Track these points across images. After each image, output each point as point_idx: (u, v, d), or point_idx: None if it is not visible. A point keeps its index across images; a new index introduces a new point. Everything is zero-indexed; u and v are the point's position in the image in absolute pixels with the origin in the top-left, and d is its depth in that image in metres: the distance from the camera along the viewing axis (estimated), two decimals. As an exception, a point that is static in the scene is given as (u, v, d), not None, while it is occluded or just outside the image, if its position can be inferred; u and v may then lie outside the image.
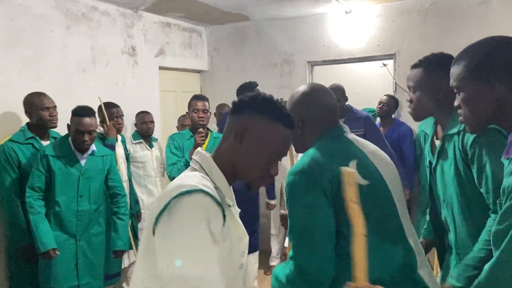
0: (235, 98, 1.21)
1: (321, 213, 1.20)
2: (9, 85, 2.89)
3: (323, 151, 1.28)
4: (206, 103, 2.95)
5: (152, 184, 3.59)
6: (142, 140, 3.59)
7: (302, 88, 1.44)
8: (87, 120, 2.57)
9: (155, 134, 3.79)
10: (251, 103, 1.13)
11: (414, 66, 1.67)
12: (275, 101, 1.14)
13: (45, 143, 2.76)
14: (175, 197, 0.98)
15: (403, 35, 4.03)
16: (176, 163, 2.78)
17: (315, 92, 1.42)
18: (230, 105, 1.20)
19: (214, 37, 4.93)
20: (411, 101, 1.65)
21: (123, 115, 3.38)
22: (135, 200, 3.41)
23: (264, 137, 1.10)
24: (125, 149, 3.41)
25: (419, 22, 3.95)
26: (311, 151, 1.30)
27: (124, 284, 3.41)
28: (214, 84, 4.93)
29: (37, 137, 2.74)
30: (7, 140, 2.68)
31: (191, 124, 2.96)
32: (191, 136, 2.91)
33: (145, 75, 4.08)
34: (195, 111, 2.89)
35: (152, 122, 3.65)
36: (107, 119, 3.20)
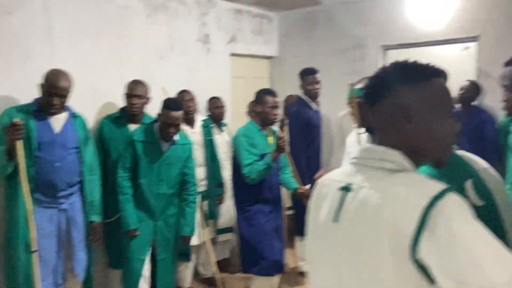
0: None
1: None
2: (96, 71, 3.12)
3: (432, 172, 1.12)
4: (277, 99, 2.95)
5: (222, 167, 3.71)
6: (214, 124, 3.71)
7: None
8: (175, 113, 2.71)
9: (225, 119, 3.91)
10: (394, 77, 0.96)
11: (509, 64, 1.55)
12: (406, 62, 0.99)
13: (134, 126, 2.97)
14: (428, 207, 0.81)
15: (487, 16, 3.74)
16: (253, 163, 2.77)
17: None
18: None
19: (285, 23, 4.93)
20: (507, 100, 1.55)
21: (192, 99, 3.45)
22: (217, 183, 3.55)
23: (428, 104, 0.93)
24: (207, 134, 3.51)
25: (506, 2, 3.64)
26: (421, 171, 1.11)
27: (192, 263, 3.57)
28: (283, 70, 4.94)
29: (125, 120, 2.99)
30: (103, 117, 3.01)
31: (262, 119, 2.91)
32: (260, 130, 2.91)
33: (217, 62, 4.20)
34: (269, 107, 2.84)
35: (223, 107, 3.77)
36: None
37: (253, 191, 2.85)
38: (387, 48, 4.36)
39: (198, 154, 3.43)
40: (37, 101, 2.48)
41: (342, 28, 4.51)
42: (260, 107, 2.87)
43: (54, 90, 2.38)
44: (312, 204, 1.08)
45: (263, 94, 2.88)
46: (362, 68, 4.31)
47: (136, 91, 2.95)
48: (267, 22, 4.86)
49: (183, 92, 3.44)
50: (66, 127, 2.51)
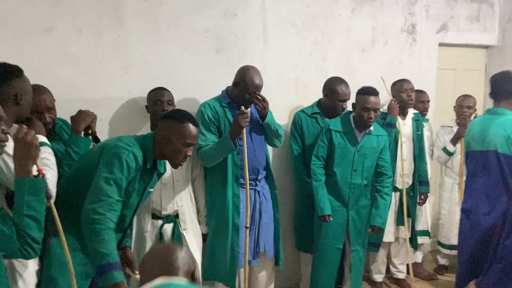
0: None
1: None
2: (301, 66, 3.32)
3: None
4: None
5: (420, 164, 3.50)
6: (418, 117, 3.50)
7: None
8: (374, 98, 2.74)
9: (428, 115, 3.65)
10: None
11: None
12: None
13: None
14: None
15: None
16: None
17: None
18: None
19: (510, 7, 4.24)
20: None
21: (412, 88, 3.32)
22: (420, 181, 3.39)
23: None
24: (417, 128, 3.37)
25: None
26: None
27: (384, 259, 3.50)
28: (504, 60, 4.28)
29: (321, 114, 3.07)
30: (299, 110, 3.15)
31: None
32: None
33: (422, 52, 3.93)
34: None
35: (428, 101, 3.54)
36: (390, 97, 3.26)
37: None
38: None
39: (406, 148, 3.30)
40: (226, 94, 2.66)
41: None
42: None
43: (252, 88, 2.54)
44: None
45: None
46: None
47: (349, 96, 2.99)
48: (487, 7, 4.28)
49: (403, 81, 3.34)
50: (254, 115, 2.66)
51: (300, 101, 3.32)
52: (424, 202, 3.44)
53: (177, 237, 2.52)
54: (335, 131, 2.85)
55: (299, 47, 3.31)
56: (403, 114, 3.36)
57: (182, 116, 1.96)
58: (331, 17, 3.43)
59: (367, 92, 2.76)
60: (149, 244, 2.49)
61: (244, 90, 2.56)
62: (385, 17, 3.69)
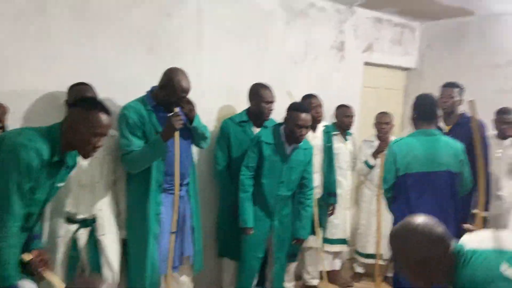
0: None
1: None
2: (236, 72, 3.32)
3: None
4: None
5: (342, 176, 3.65)
6: (338, 132, 3.67)
7: None
8: (306, 116, 2.76)
9: (352, 129, 3.83)
10: None
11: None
12: None
13: (256, 130, 3.07)
14: None
15: None
16: None
17: None
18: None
19: (428, 33, 4.62)
20: None
21: (320, 104, 3.41)
22: (329, 192, 3.47)
23: None
24: (327, 140, 3.47)
25: None
26: None
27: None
28: (420, 83, 4.64)
29: (251, 122, 3.07)
30: (227, 118, 3.12)
31: None
32: None
33: (350, 70, 4.13)
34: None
35: (353, 116, 3.70)
36: None
37: None
38: (550, 67, 3.79)
39: (316, 160, 3.42)
40: (150, 96, 2.53)
41: (496, 42, 4.06)
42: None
43: (180, 92, 2.45)
44: None
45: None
46: (515, 88, 3.83)
47: (273, 98, 3.01)
48: (409, 32, 4.61)
49: (311, 97, 3.43)
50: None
51: (233, 109, 3.31)
52: (332, 213, 3.51)
53: (93, 242, 2.38)
54: (266, 143, 2.85)
55: (235, 54, 3.31)
56: (313, 128, 3.42)
57: (91, 104, 1.81)
58: (267, 27, 3.48)
59: (299, 109, 2.78)
60: (61, 251, 2.32)
61: (172, 93, 2.45)
62: (317, 33, 3.83)
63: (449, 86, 3.27)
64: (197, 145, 2.76)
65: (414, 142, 2.65)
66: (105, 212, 2.44)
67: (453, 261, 1.39)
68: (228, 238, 3.08)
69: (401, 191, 2.65)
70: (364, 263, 3.91)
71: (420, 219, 1.45)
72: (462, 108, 3.29)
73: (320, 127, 3.48)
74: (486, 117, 3.24)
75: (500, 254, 1.33)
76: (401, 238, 1.45)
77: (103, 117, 1.79)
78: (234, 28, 3.28)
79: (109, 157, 2.48)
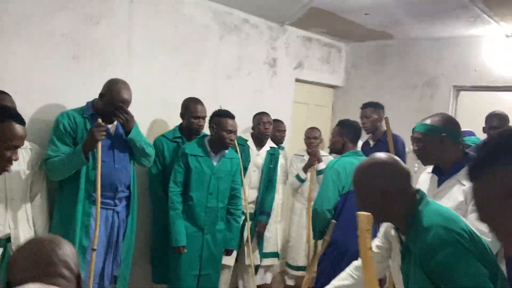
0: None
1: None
2: (168, 85, 3.26)
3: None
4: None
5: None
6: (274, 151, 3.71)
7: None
8: (233, 121, 2.83)
9: (284, 143, 3.92)
10: None
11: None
12: None
13: None
14: None
15: None
16: None
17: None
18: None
19: (353, 54, 4.90)
20: None
21: (271, 122, 3.48)
22: (262, 210, 3.45)
23: None
24: (271, 162, 3.47)
25: None
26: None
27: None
28: (346, 100, 4.88)
29: (184, 138, 3.02)
30: (160, 135, 3.03)
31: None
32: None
33: (282, 86, 4.25)
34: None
35: (285, 131, 3.79)
36: None
37: None
38: (459, 89, 4.18)
39: (255, 177, 3.44)
40: (90, 106, 2.50)
41: (413, 64, 4.40)
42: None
43: (118, 102, 2.41)
44: None
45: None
46: (431, 107, 4.16)
47: (203, 113, 2.99)
48: (336, 52, 4.86)
49: (262, 114, 3.48)
50: (119, 130, 2.55)
51: (166, 122, 3.24)
52: (262, 231, 3.48)
53: (7, 265, 2.15)
54: (191, 155, 2.81)
55: (168, 66, 3.25)
56: (260, 145, 3.49)
57: (2, 114, 1.63)
58: (200, 40, 3.47)
59: (226, 115, 2.83)
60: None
61: (109, 102, 2.42)
62: (250, 48, 3.89)
63: (365, 106, 3.53)
64: (138, 162, 2.67)
65: (355, 162, 2.78)
66: (21, 231, 2.24)
67: (414, 198, 1.43)
68: (163, 263, 2.94)
69: (343, 209, 2.74)
70: (295, 276, 3.97)
71: (388, 155, 1.49)
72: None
73: (266, 147, 3.49)
74: (405, 134, 3.47)
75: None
76: (369, 169, 1.47)
77: (17, 127, 1.63)
78: (167, 40, 3.23)
79: (28, 171, 2.30)
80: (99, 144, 2.34)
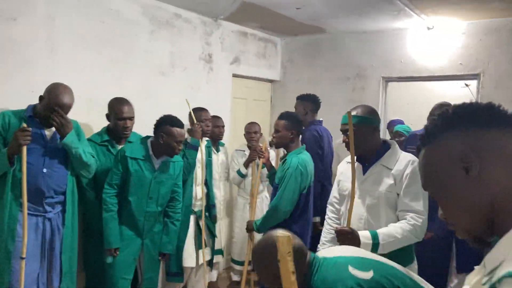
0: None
1: None
2: (95, 83, 3.11)
3: None
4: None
5: (215, 187, 3.67)
6: (210, 144, 3.69)
7: None
8: (182, 130, 2.75)
9: (223, 139, 3.90)
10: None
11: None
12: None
13: (120, 146, 2.89)
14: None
15: (489, 54, 3.77)
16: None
17: None
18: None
19: (289, 48, 4.97)
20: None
21: (210, 118, 3.46)
22: (212, 204, 3.50)
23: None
24: (208, 155, 3.49)
25: (509, 41, 3.67)
26: None
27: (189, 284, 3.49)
28: (284, 94, 4.95)
29: (113, 141, 2.89)
30: (87, 138, 2.86)
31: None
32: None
33: (219, 81, 4.21)
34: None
35: (223, 126, 3.77)
36: (195, 121, 3.31)
37: None
38: (387, 80, 4.38)
39: (199, 173, 3.40)
40: (31, 108, 2.46)
41: (345, 57, 4.55)
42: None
43: (55, 105, 2.37)
44: None
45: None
46: (362, 98, 4.32)
47: (129, 113, 2.86)
48: (271, 46, 4.90)
49: (202, 110, 3.44)
50: (57, 135, 2.47)
51: (94, 122, 3.08)
52: (215, 222, 3.57)
53: None
54: (132, 158, 2.70)
55: (94, 64, 3.10)
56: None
57: None
58: (129, 36, 3.34)
59: (176, 124, 2.73)
60: None
61: (47, 105, 2.39)
62: (184, 44, 3.81)
63: (299, 99, 3.72)
64: (76, 171, 2.56)
65: (308, 158, 2.86)
66: None
67: (309, 268, 1.51)
68: (95, 267, 2.82)
69: (302, 206, 2.80)
70: (240, 271, 3.97)
71: (278, 234, 1.50)
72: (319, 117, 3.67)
73: (204, 142, 3.47)
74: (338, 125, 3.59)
75: (345, 259, 1.48)
76: (261, 253, 1.53)
77: None
78: (91, 37, 3.07)
79: None
80: (24, 148, 2.27)
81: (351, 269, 1.39)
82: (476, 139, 0.76)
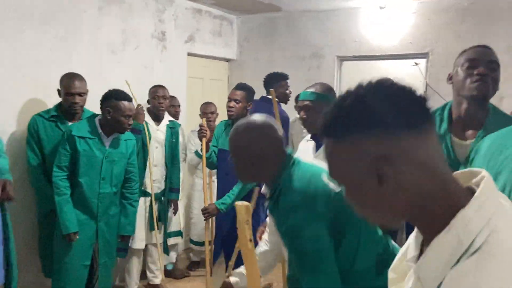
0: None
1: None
2: (41, 62, 2.94)
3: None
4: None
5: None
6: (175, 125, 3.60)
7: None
8: (130, 104, 2.66)
9: (180, 120, 3.83)
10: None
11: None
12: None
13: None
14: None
15: (438, 34, 3.90)
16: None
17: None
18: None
19: (245, 26, 4.91)
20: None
21: (165, 96, 3.36)
22: (171, 188, 3.45)
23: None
24: (173, 135, 3.41)
25: (456, 21, 3.81)
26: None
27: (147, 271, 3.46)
28: (242, 73, 4.91)
29: (62, 116, 2.77)
30: (36, 113, 2.76)
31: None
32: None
33: (173, 60, 4.11)
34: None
35: (179, 106, 3.69)
36: (136, 102, 3.21)
37: None
38: (342, 59, 4.44)
39: (158, 153, 3.33)
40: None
41: (301, 36, 4.55)
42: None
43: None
44: None
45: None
46: (318, 77, 4.35)
47: (77, 89, 2.72)
48: (227, 24, 4.82)
49: (157, 87, 3.34)
50: None
51: (40, 103, 2.92)
52: (176, 210, 3.54)
53: None
54: (79, 137, 2.59)
55: (38, 41, 2.92)
56: (158, 120, 3.40)
57: None
58: (76, 13, 3.17)
59: (123, 97, 2.63)
60: None
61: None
62: (135, 21, 3.67)
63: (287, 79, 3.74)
64: None
65: None
66: None
67: (284, 161, 1.46)
68: (52, 252, 2.70)
69: None
70: (199, 251, 3.98)
71: (263, 118, 1.48)
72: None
73: (165, 121, 3.39)
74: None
75: (321, 169, 1.43)
76: (245, 133, 1.46)
77: None
78: (34, 13, 2.88)
79: None
80: None
81: (324, 178, 1.38)
82: (388, 145, 0.70)
